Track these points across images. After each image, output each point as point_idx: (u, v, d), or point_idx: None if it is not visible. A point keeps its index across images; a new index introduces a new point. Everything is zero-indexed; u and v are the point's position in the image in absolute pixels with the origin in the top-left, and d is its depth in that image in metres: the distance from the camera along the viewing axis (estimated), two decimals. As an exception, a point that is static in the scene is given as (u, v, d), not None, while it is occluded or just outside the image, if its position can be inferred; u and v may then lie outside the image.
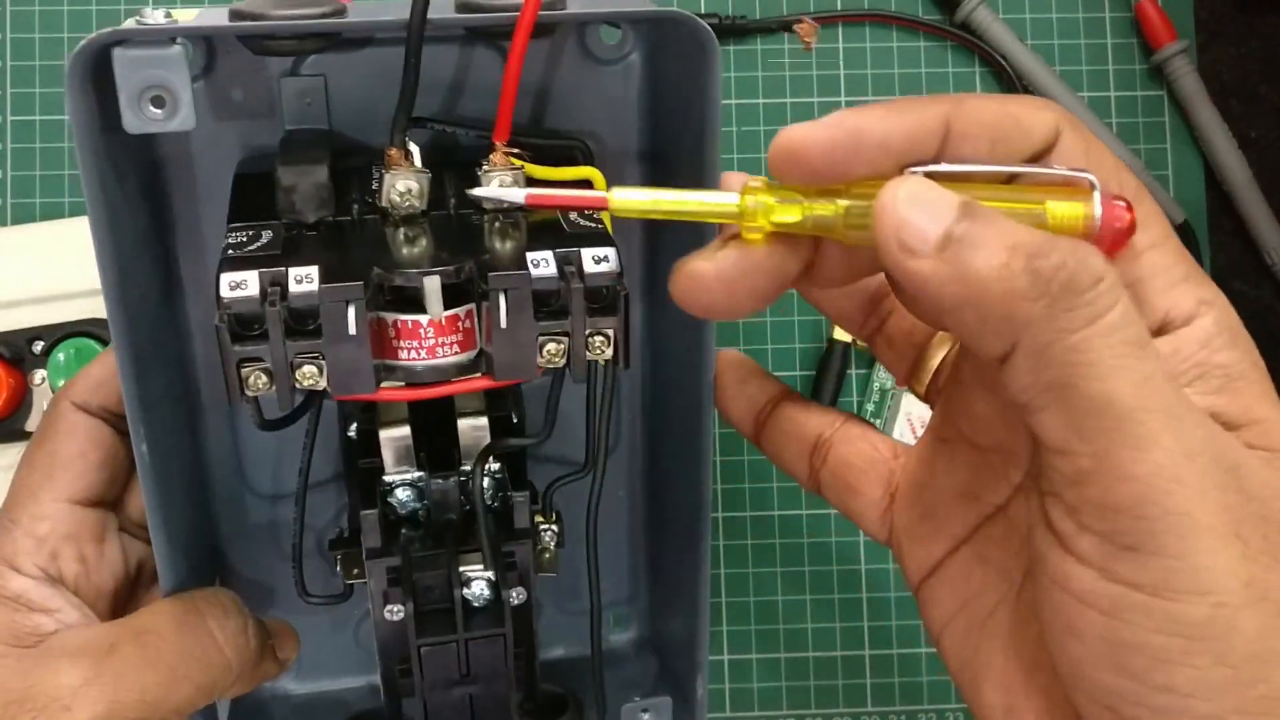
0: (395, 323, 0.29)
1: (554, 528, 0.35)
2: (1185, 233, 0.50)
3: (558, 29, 0.34)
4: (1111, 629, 0.21)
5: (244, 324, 0.28)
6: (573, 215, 0.31)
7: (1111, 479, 0.20)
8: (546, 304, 0.29)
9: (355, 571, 0.34)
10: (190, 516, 0.37)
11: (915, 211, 0.22)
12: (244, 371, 0.28)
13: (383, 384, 0.29)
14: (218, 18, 0.29)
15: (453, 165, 0.32)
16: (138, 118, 0.28)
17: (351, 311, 0.27)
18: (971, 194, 0.22)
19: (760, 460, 0.49)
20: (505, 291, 0.28)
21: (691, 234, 0.30)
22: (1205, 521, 0.20)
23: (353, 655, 0.41)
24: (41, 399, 0.42)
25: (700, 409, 0.34)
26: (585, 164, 0.33)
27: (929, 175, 0.23)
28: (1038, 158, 0.24)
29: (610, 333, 0.29)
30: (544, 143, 0.32)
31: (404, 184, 0.30)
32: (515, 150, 0.30)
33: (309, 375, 0.28)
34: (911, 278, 0.22)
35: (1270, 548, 0.21)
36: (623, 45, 0.35)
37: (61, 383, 0.39)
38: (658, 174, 0.36)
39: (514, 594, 0.33)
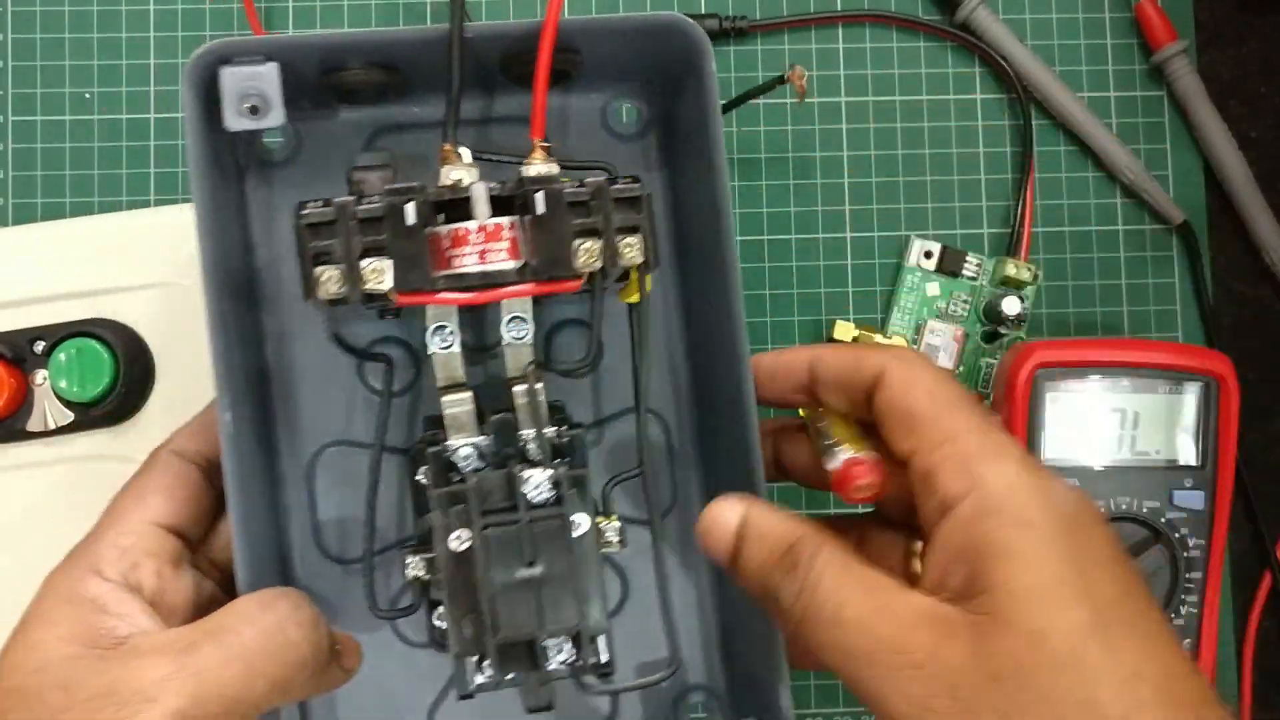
0: (449, 233, 0.33)
1: (615, 523, 0.37)
2: (1185, 233, 0.51)
3: (575, 102, 0.41)
4: None
5: (319, 234, 0.33)
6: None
7: (848, 679, 0.30)
8: (582, 210, 0.33)
9: (422, 572, 0.36)
10: (265, 520, 0.39)
11: (712, 545, 0.34)
12: (318, 271, 0.32)
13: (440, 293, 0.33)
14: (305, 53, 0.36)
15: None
16: (236, 120, 0.34)
17: (411, 207, 0.32)
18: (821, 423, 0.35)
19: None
20: (542, 190, 0.33)
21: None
22: (896, 712, 0.28)
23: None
24: (43, 399, 0.41)
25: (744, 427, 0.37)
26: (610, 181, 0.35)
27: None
28: (873, 386, 0.33)
29: (638, 236, 0.33)
30: (574, 167, 0.37)
31: (455, 174, 0.34)
32: (548, 144, 0.35)
33: (375, 272, 0.32)
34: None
35: (958, 708, 0.27)
36: (640, 122, 0.41)
37: (63, 383, 0.41)
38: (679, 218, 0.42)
39: (575, 519, 0.35)
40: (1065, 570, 0.28)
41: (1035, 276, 0.49)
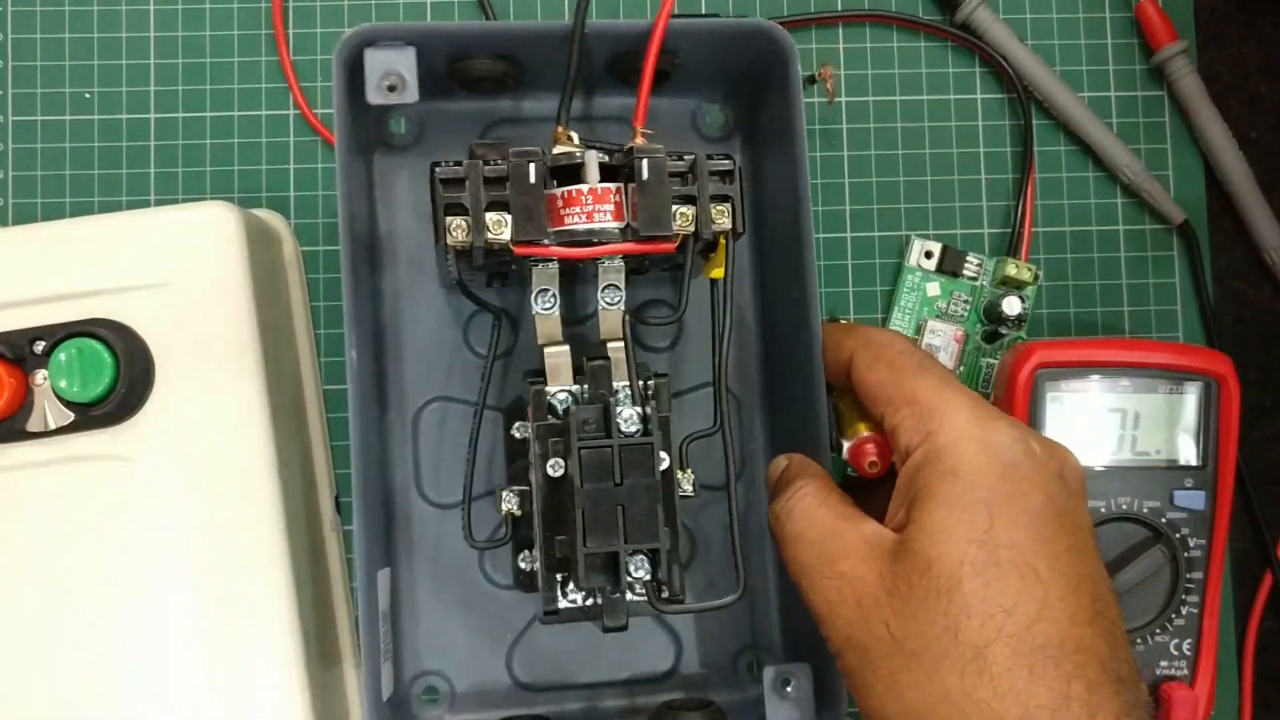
0: (563, 193, 0.37)
1: (690, 474, 0.40)
2: (1186, 233, 0.51)
3: (668, 105, 0.46)
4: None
5: (450, 188, 0.37)
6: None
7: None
8: (680, 181, 0.38)
9: (515, 506, 0.39)
10: (376, 464, 0.44)
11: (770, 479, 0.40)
12: (448, 220, 0.36)
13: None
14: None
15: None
16: (377, 95, 0.39)
17: (532, 167, 0.37)
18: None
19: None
20: (647, 158, 0.37)
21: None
22: (819, 613, 0.36)
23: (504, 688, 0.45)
24: (43, 399, 0.41)
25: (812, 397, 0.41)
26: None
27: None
28: (848, 367, 0.38)
29: (728, 205, 0.38)
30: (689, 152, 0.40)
31: (564, 150, 0.38)
32: (649, 130, 0.39)
33: (498, 223, 0.36)
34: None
35: (861, 616, 0.34)
36: (726, 125, 0.47)
37: (63, 383, 0.41)
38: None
39: (659, 454, 0.38)
40: (976, 514, 0.32)
41: (1036, 276, 0.49)
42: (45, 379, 0.41)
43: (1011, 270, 0.49)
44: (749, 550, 0.46)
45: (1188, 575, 0.45)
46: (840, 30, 0.51)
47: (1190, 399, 0.46)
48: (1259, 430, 0.50)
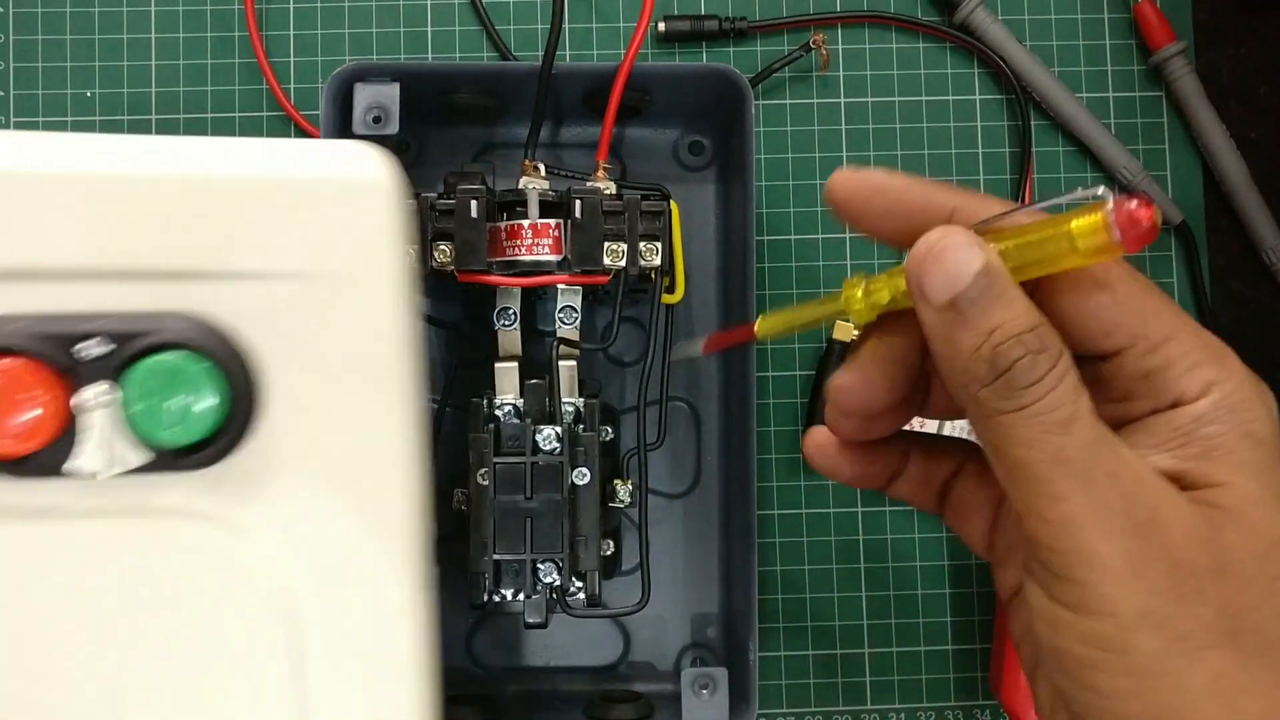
0: (507, 227, 0.41)
1: (628, 486, 0.44)
2: (1184, 233, 0.51)
3: (652, 136, 0.50)
4: (1051, 637, 0.26)
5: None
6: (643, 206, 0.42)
7: (1035, 520, 0.26)
8: (613, 219, 0.41)
9: (464, 505, 0.43)
10: None
11: (939, 267, 0.26)
12: None
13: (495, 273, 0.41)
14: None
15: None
16: (362, 127, 0.42)
17: (474, 204, 0.41)
18: (1006, 234, 0.27)
19: (786, 458, 0.49)
20: (580, 199, 0.41)
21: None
22: (1108, 560, 0.25)
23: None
24: (99, 426, 0.26)
25: (746, 423, 0.44)
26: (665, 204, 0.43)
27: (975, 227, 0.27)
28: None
29: (657, 244, 0.41)
30: (632, 187, 0.44)
31: (530, 184, 0.42)
32: (608, 165, 0.43)
33: (444, 251, 0.41)
34: (919, 314, 0.27)
35: (1174, 585, 0.25)
36: (704, 157, 0.50)
37: (150, 420, 0.26)
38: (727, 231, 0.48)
39: (580, 470, 0.42)
40: None
41: (1034, 277, 0.49)
42: (106, 397, 0.26)
43: (1010, 271, 0.49)
44: (695, 554, 0.49)
45: None
46: (839, 31, 0.51)
47: (1188, 399, 0.45)
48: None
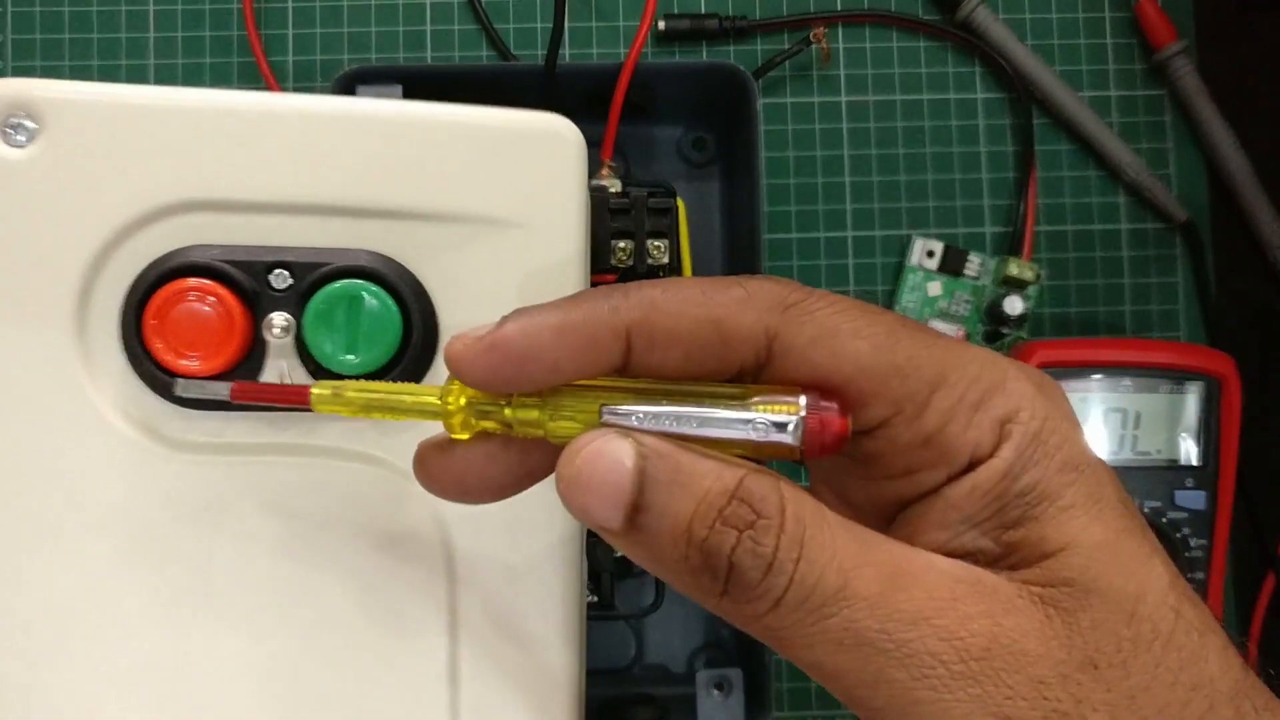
0: None
1: None
2: (1188, 232, 0.50)
3: (658, 133, 0.50)
4: None
5: None
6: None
7: (856, 705, 0.21)
8: (619, 217, 0.40)
9: None
10: None
11: (592, 497, 0.21)
12: None
13: None
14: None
15: None
16: None
17: None
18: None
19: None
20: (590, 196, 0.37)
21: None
22: None
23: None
24: (278, 358, 0.27)
25: None
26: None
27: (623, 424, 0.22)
28: (751, 370, 0.22)
29: (665, 241, 0.40)
30: (638, 184, 0.43)
31: None
32: (613, 164, 0.44)
33: None
34: (608, 540, 0.22)
35: (1048, 709, 0.20)
36: (707, 153, 0.49)
37: (327, 345, 0.27)
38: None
39: None
40: (1126, 512, 0.22)
41: (1037, 276, 0.49)
42: (286, 329, 0.28)
43: (1013, 270, 0.48)
44: None
45: (1188, 576, 0.45)
46: (840, 30, 0.51)
47: (1191, 399, 0.45)
48: (1260, 430, 0.50)
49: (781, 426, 0.21)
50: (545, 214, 0.28)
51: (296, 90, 0.50)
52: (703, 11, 0.50)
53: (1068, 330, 0.50)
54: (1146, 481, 0.45)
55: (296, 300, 0.28)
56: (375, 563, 0.28)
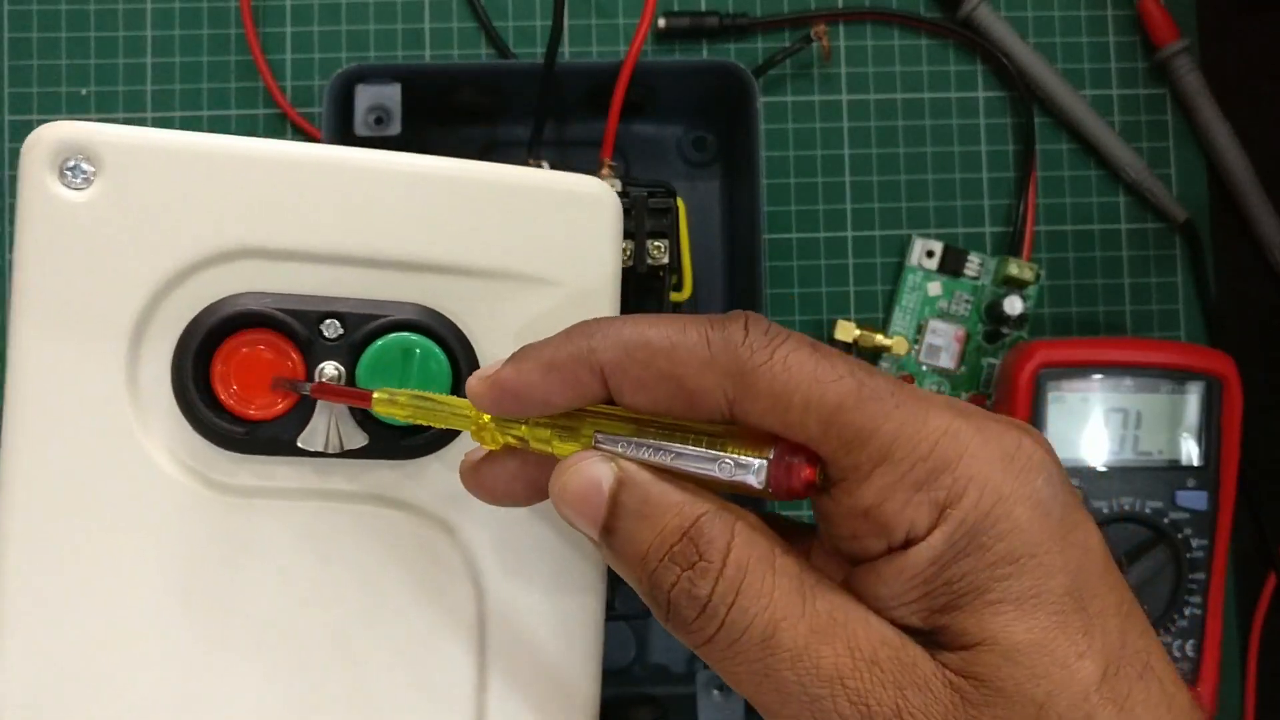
0: None
1: None
2: (1188, 231, 0.50)
3: (658, 132, 0.49)
4: None
5: None
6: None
7: None
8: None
9: None
10: None
11: (573, 511, 0.24)
12: None
13: None
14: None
15: None
16: (364, 128, 0.43)
17: None
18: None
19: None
20: None
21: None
22: None
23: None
24: (328, 409, 0.28)
25: None
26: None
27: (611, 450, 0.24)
28: (727, 406, 0.23)
29: (665, 241, 0.40)
30: (638, 184, 0.42)
31: None
32: (613, 163, 0.44)
33: None
34: None
35: None
36: (708, 153, 0.49)
37: (378, 393, 0.27)
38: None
39: None
40: (1067, 607, 0.22)
41: (1037, 276, 0.49)
42: (337, 378, 0.28)
43: (1013, 269, 0.48)
44: None
45: (1190, 576, 0.45)
46: (841, 28, 0.51)
47: (1192, 399, 0.45)
48: (1262, 430, 0.50)
49: (746, 468, 0.23)
50: (582, 273, 0.30)
51: (295, 89, 0.49)
52: (703, 9, 0.50)
53: (1068, 330, 0.50)
54: (1148, 482, 0.45)
55: (347, 350, 0.28)
56: (409, 610, 0.29)
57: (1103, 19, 0.51)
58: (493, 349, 0.29)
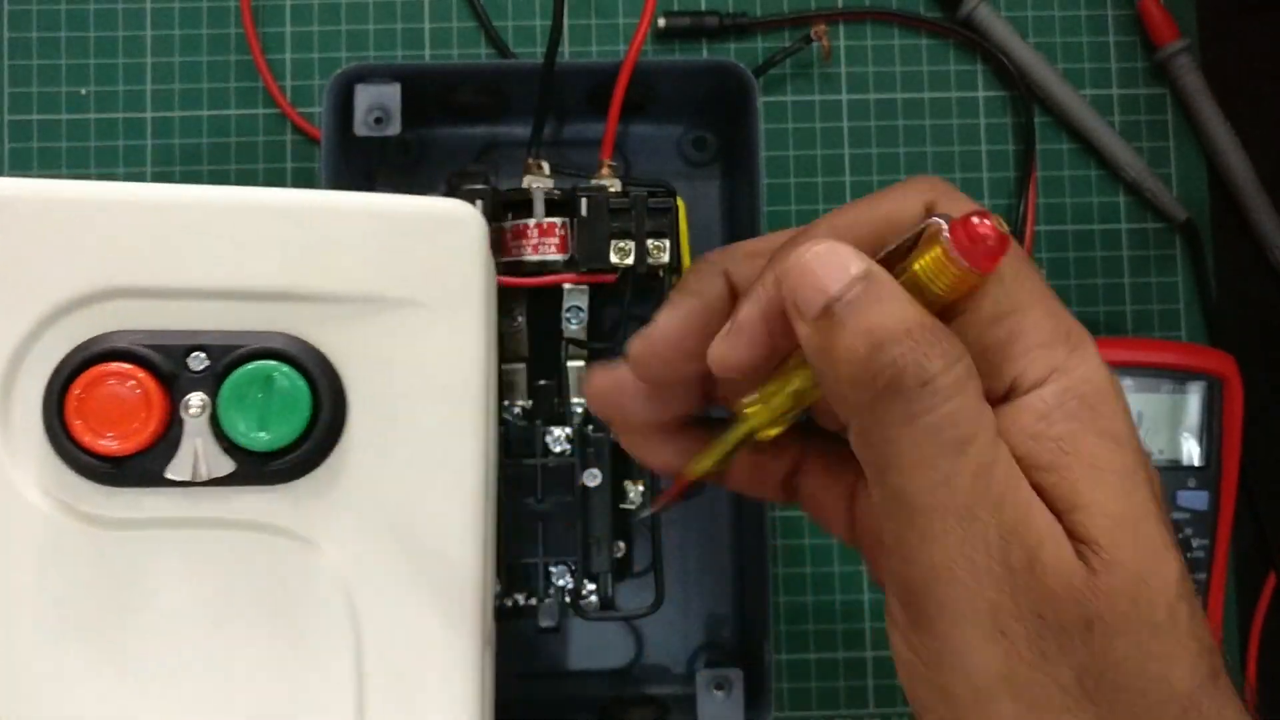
0: (510, 227, 0.41)
1: (639, 486, 0.42)
2: (1188, 231, 0.50)
3: (657, 132, 0.49)
4: (908, 682, 0.24)
5: None
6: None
7: (901, 559, 0.23)
8: (619, 217, 0.40)
9: None
10: None
11: (812, 277, 0.23)
12: None
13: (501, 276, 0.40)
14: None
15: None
16: (363, 127, 0.43)
17: (479, 203, 0.40)
18: None
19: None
20: (587, 197, 0.40)
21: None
22: (970, 615, 0.22)
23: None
24: (194, 435, 0.29)
25: None
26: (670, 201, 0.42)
27: None
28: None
29: (665, 241, 0.40)
30: (637, 184, 0.42)
31: (534, 183, 0.42)
32: (613, 163, 0.43)
33: None
34: (800, 338, 0.23)
35: (1038, 645, 0.22)
36: (707, 152, 0.49)
37: (240, 423, 0.29)
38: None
39: (591, 472, 0.41)
40: (1151, 503, 0.23)
41: (1038, 275, 0.49)
42: (203, 408, 0.29)
43: (1013, 269, 0.48)
44: (707, 555, 0.48)
45: (1191, 576, 0.45)
46: (841, 28, 0.51)
47: (1193, 399, 0.45)
48: (1262, 430, 0.50)
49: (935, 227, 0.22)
50: (448, 294, 0.31)
51: (295, 89, 0.49)
52: (703, 9, 0.50)
53: (1069, 330, 0.50)
54: (1148, 482, 0.45)
55: (212, 381, 0.29)
56: (287, 631, 0.30)
57: (1103, 18, 0.51)
58: (362, 372, 0.30)
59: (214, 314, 0.30)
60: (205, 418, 0.29)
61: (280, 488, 0.30)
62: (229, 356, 0.29)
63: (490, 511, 0.33)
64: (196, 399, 0.29)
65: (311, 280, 0.30)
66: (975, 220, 0.22)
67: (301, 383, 0.29)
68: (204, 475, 0.29)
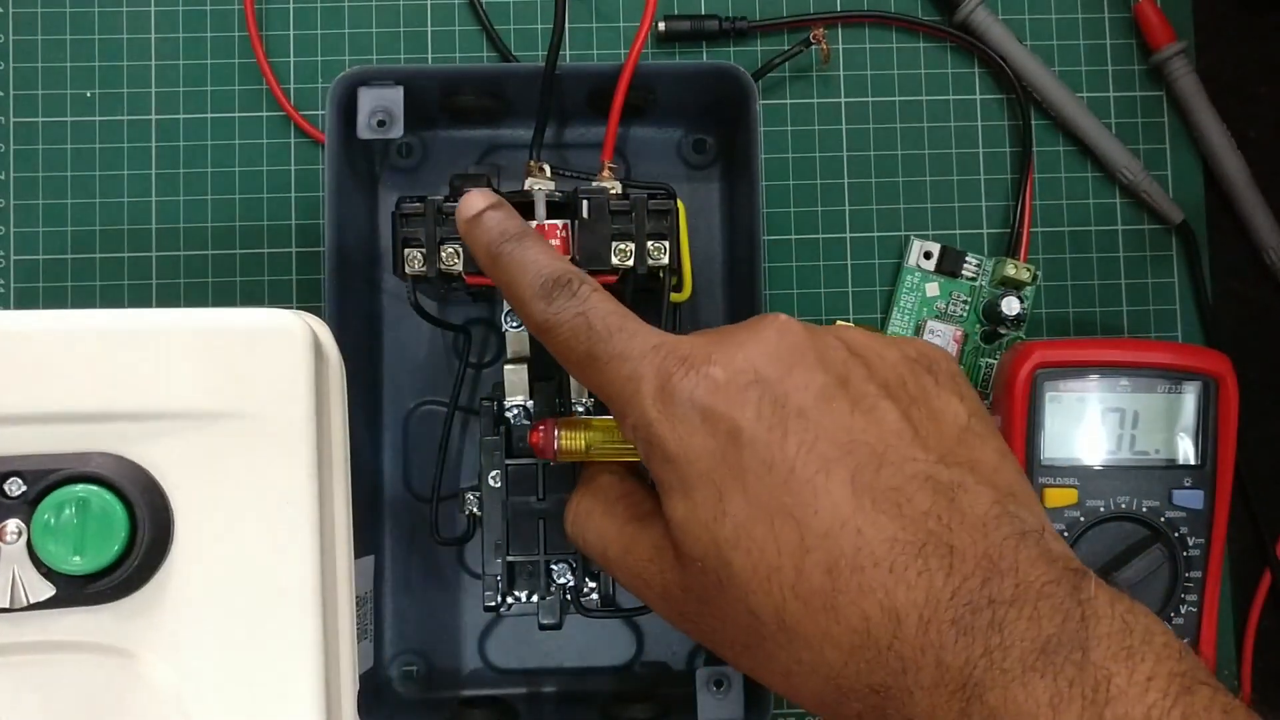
0: None
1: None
2: (1184, 233, 0.51)
3: (657, 135, 0.49)
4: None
5: (410, 223, 0.40)
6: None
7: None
8: (620, 219, 0.41)
9: (476, 508, 0.43)
10: (366, 452, 0.46)
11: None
12: (406, 252, 0.40)
13: None
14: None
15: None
16: (367, 130, 0.43)
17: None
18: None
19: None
20: (588, 198, 0.40)
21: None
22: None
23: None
24: (10, 562, 0.29)
25: None
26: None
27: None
28: None
29: (665, 243, 0.40)
30: (637, 186, 0.42)
31: (535, 185, 0.42)
32: (613, 165, 0.43)
33: (450, 256, 0.40)
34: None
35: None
36: (707, 155, 0.49)
37: (53, 547, 0.29)
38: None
39: None
40: (705, 492, 0.30)
41: (1034, 277, 0.49)
42: (19, 535, 0.29)
43: (1010, 270, 0.49)
44: None
45: (1186, 574, 0.45)
46: (839, 31, 0.51)
47: (1189, 399, 0.46)
48: (1258, 430, 0.50)
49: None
50: (275, 405, 0.31)
51: (298, 92, 0.50)
52: (703, 13, 0.50)
53: (1065, 330, 0.50)
54: (1144, 481, 0.45)
55: (28, 508, 0.29)
56: None
57: (1099, 21, 0.52)
58: (189, 486, 0.30)
59: (33, 438, 0.29)
60: (22, 543, 0.29)
61: (106, 607, 0.30)
62: (44, 481, 0.29)
63: (347, 604, 0.34)
64: (12, 525, 0.29)
65: (133, 400, 0.30)
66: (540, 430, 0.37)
67: (118, 505, 0.29)
68: (24, 601, 0.29)
